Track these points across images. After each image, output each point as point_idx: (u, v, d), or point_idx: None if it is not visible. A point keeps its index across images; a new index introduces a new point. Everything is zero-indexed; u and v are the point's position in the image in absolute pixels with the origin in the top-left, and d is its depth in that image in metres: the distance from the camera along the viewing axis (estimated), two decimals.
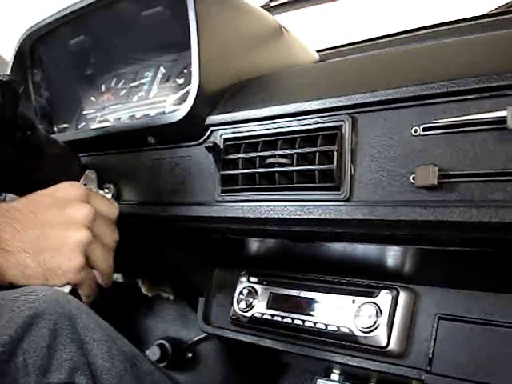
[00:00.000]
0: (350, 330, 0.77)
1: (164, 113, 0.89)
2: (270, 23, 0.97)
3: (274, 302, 0.88)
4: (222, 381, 1.16)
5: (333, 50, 1.21)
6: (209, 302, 1.02)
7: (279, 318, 0.85)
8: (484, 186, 0.53)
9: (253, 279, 0.92)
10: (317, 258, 0.85)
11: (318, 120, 0.66)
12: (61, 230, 0.63)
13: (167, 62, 0.97)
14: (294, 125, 0.68)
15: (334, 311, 0.80)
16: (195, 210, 0.77)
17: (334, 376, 0.90)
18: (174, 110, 0.80)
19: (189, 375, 1.18)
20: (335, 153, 0.63)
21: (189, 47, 0.77)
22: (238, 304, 0.92)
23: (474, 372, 0.67)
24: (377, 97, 0.61)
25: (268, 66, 0.90)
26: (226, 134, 0.75)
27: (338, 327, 0.78)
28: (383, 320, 0.74)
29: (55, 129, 1.10)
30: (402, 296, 0.75)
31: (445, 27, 1.07)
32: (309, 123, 0.67)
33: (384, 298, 0.75)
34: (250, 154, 0.71)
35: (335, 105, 0.64)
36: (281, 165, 0.67)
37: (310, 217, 0.65)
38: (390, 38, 1.14)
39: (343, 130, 0.63)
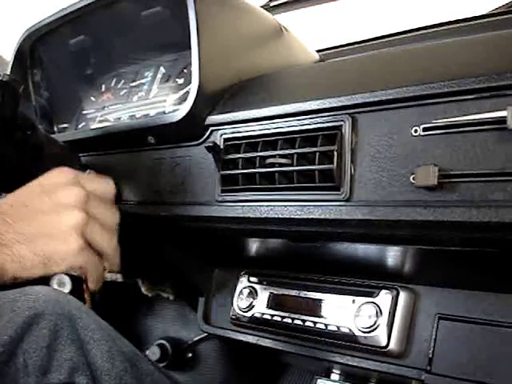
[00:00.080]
0: (350, 329, 0.77)
1: (164, 113, 0.89)
2: (270, 23, 0.97)
3: (274, 302, 0.88)
4: (222, 381, 1.16)
5: (333, 50, 1.21)
6: (209, 301, 1.02)
7: (279, 318, 0.86)
8: (484, 186, 0.53)
9: (253, 279, 0.92)
10: (317, 258, 0.85)
11: (318, 120, 0.66)
12: (53, 216, 0.62)
13: (167, 62, 0.97)
14: (294, 125, 0.68)
15: (334, 311, 0.80)
16: (195, 209, 0.77)
17: (334, 376, 0.90)
18: (174, 110, 0.80)
19: (189, 375, 1.18)
20: (335, 153, 0.63)
21: (189, 47, 0.77)
22: (238, 304, 0.92)
23: (474, 372, 0.67)
24: (377, 97, 0.60)
25: (268, 65, 0.90)
26: (225, 133, 0.75)
27: (338, 327, 0.78)
28: (383, 320, 0.74)
29: (55, 129, 1.10)
30: (402, 296, 0.75)
31: (445, 27, 1.07)
32: (309, 123, 0.67)
33: (384, 298, 0.75)
34: (250, 154, 0.71)
35: (335, 105, 0.64)
36: (281, 165, 0.67)
37: (310, 217, 0.65)
38: (390, 38, 1.14)
39: (343, 130, 0.63)
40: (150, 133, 0.83)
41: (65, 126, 1.10)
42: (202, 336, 1.14)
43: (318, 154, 0.64)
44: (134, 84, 1.01)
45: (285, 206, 0.67)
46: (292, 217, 0.66)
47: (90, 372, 0.59)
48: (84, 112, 1.09)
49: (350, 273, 0.82)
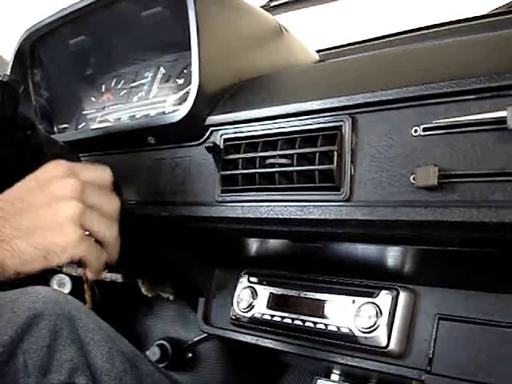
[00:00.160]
0: (350, 330, 0.77)
1: (164, 113, 0.89)
2: (270, 23, 0.97)
3: (274, 302, 0.88)
4: (222, 381, 1.16)
5: (333, 50, 1.21)
6: (209, 301, 1.02)
7: (279, 318, 0.85)
8: (484, 186, 0.53)
9: (253, 279, 0.92)
10: (317, 258, 0.85)
11: (318, 120, 0.66)
12: (49, 209, 0.62)
13: (167, 62, 0.97)
14: (294, 125, 0.68)
15: (334, 311, 0.80)
16: (195, 210, 0.77)
17: (334, 376, 0.90)
18: (174, 110, 0.80)
19: (189, 375, 1.18)
20: (335, 153, 0.63)
21: (189, 47, 0.77)
22: (238, 304, 0.92)
23: (473, 372, 0.67)
24: (377, 97, 0.60)
25: (268, 65, 0.90)
26: (226, 134, 0.75)
27: (338, 327, 0.78)
28: (383, 320, 0.74)
29: (55, 129, 1.10)
30: (402, 296, 0.75)
31: (445, 27, 1.07)
32: (309, 123, 0.67)
33: (384, 298, 0.75)
34: (250, 154, 0.71)
35: (335, 105, 0.64)
36: (281, 165, 0.67)
37: (310, 217, 0.65)
38: (390, 38, 1.14)
39: (343, 130, 0.63)
40: (150, 133, 0.83)
41: (65, 126, 1.10)
42: (202, 336, 1.14)
43: (318, 154, 0.64)
44: (134, 84, 1.01)
45: (285, 206, 0.67)
46: (292, 217, 0.66)
47: (89, 372, 0.59)
48: (84, 112, 1.09)
49: (350, 273, 0.82)
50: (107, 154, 0.92)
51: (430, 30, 1.09)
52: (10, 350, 0.56)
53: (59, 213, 0.61)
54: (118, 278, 1.11)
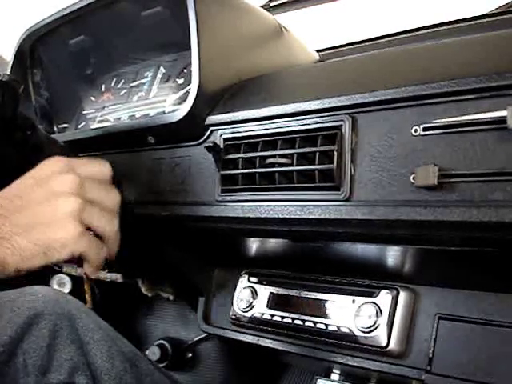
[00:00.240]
0: (350, 330, 0.77)
1: (164, 113, 0.89)
2: (270, 23, 0.97)
3: (274, 302, 0.88)
4: (222, 381, 1.16)
5: (333, 50, 1.21)
6: (209, 301, 1.02)
7: (279, 318, 0.85)
8: (484, 186, 0.53)
9: (253, 279, 0.92)
10: (317, 258, 0.85)
11: (318, 120, 0.66)
12: (48, 205, 0.62)
13: (167, 62, 0.97)
14: (294, 125, 0.68)
15: (334, 311, 0.80)
16: (195, 209, 0.77)
17: (334, 376, 0.90)
18: (174, 110, 0.80)
19: (189, 375, 1.18)
20: (335, 153, 0.63)
21: (189, 47, 0.77)
22: (238, 304, 0.92)
23: (474, 372, 0.67)
24: (377, 97, 0.60)
25: (268, 65, 0.90)
26: (225, 133, 0.75)
27: (338, 327, 0.78)
28: (383, 320, 0.74)
29: (55, 129, 1.10)
30: (402, 296, 0.75)
31: (445, 27, 1.07)
32: (309, 123, 0.67)
33: (384, 298, 0.75)
34: (250, 154, 0.71)
35: (335, 105, 0.64)
36: (281, 165, 0.67)
37: (310, 217, 0.65)
38: (390, 38, 1.14)
39: (343, 130, 0.63)
40: (149, 133, 0.83)
41: (65, 125, 1.10)
42: (202, 336, 1.14)
43: (317, 153, 0.64)
44: (133, 84, 1.01)
45: (285, 205, 0.67)
46: (292, 217, 0.66)
47: (89, 372, 0.59)
48: (84, 112, 1.09)
49: (350, 273, 0.82)
50: (107, 153, 0.92)
51: (429, 30, 1.09)
52: (10, 349, 0.56)
53: (58, 209, 0.61)
54: (118, 277, 1.11)
